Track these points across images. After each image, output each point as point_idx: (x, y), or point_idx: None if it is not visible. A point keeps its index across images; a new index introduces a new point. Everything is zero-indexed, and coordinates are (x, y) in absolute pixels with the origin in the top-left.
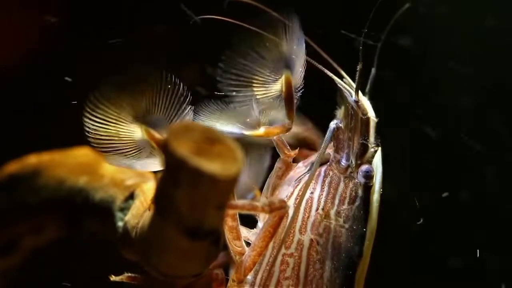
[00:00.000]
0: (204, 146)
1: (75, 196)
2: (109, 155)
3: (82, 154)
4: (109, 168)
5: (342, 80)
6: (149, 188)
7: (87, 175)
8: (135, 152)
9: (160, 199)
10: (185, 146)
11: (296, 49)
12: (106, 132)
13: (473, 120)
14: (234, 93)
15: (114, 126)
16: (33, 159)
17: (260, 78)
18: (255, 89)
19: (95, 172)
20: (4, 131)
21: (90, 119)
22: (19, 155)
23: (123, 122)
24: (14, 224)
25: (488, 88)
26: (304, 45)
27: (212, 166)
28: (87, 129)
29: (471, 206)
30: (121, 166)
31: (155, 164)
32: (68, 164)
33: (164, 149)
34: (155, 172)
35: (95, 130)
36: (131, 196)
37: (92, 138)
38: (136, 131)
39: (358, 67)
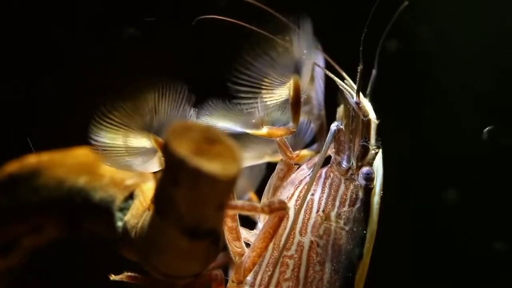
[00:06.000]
0: (203, 146)
1: (75, 196)
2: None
3: (81, 154)
4: (108, 168)
5: (343, 82)
6: (148, 188)
7: (87, 175)
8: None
9: (160, 199)
10: (185, 146)
11: (307, 54)
12: (115, 145)
13: (474, 119)
14: (242, 94)
15: (123, 139)
16: (32, 159)
17: (269, 81)
18: (263, 91)
19: (94, 172)
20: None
21: (98, 134)
22: (19, 155)
23: (131, 134)
24: (13, 224)
25: (490, 90)
26: (314, 49)
27: (212, 166)
28: (95, 143)
29: (470, 206)
30: (120, 168)
31: (155, 164)
32: (67, 164)
33: (164, 149)
34: (154, 172)
35: (103, 144)
36: (130, 196)
37: (100, 151)
38: (144, 141)
39: (359, 68)
